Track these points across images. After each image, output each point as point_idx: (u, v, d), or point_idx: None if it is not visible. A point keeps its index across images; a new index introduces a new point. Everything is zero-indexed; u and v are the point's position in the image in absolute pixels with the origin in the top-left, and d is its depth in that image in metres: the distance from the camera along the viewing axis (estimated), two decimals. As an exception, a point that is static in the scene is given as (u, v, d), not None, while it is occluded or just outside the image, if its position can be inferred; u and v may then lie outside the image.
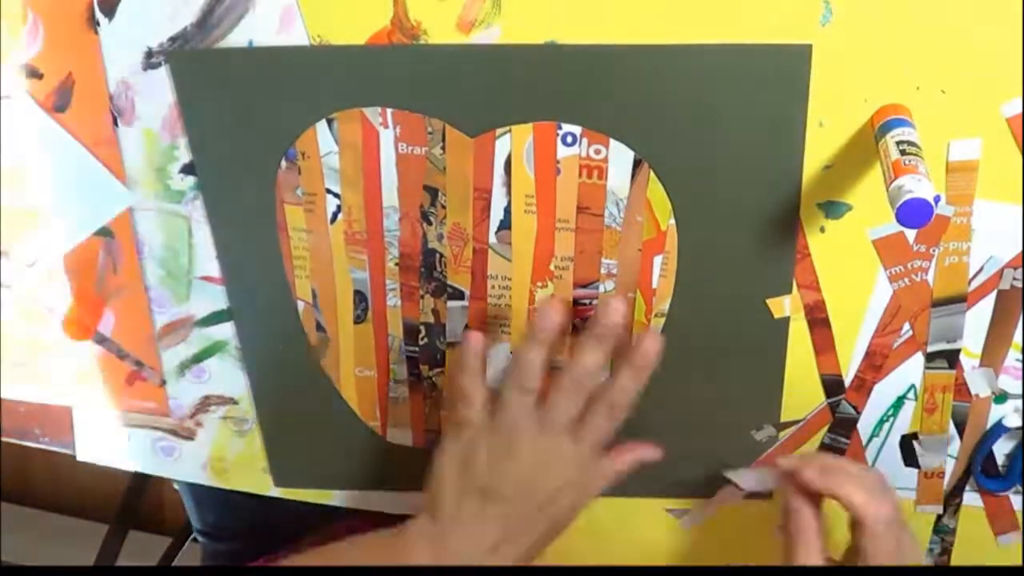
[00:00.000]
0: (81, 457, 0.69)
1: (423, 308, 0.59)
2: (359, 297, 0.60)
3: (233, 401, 0.65)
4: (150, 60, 0.54)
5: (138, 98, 0.55)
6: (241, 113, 0.55)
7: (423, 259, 0.58)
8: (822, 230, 0.54)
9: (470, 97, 0.53)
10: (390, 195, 0.56)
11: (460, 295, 0.59)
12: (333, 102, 0.54)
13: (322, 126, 0.55)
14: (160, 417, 0.67)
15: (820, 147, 0.51)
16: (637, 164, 0.53)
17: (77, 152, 0.57)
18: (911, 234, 0.53)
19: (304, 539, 0.78)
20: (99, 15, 0.54)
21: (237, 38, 0.53)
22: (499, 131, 0.53)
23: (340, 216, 0.57)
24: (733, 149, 0.52)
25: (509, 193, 0.55)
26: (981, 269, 0.54)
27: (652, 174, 0.53)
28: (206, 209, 0.58)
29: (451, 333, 0.60)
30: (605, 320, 0.53)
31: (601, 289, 0.57)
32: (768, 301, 0.56)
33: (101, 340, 0.64)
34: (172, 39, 0.53)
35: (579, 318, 0.58)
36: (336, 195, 0.57)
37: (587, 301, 0.57)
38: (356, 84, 0.53)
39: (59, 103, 0.56)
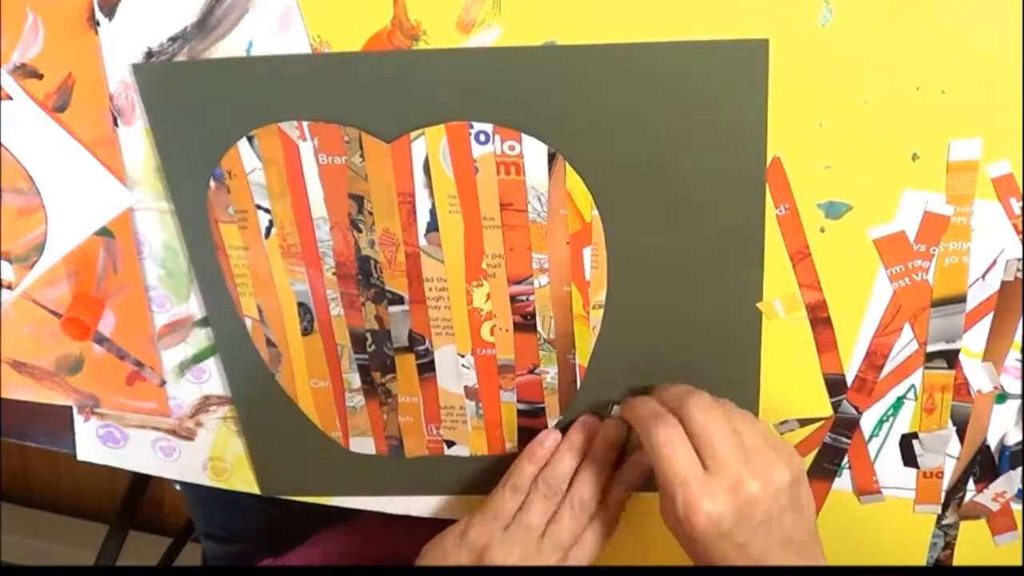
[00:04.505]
0: (81, 457, 0.69)
1: (366, 315, 0.60)
2: (303, 309, 0.60)
3: (233, 401, 0.65)
4: (150, 60, 0.54)
5: (138, 98, 0.55)
6: (192, 127, 0.55)
7: (358, 266, 0.58)
8: (822, 230, 0.54)
9: (381, 102, 0.53)
10: (318, 206, 0.57)
11: (400, 300, 0.59)
12: (257, 116, 0.54)
13: (243, 144, 0.55)
14: (160, 417, 0.67)
15: (820, 147, 0.51)
16: (552, 158, 0.53)
17: (77, 152, 0.57)
18: (912, 233, 0.53)
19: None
20: (99, 15, 0.54)
21: (237, 38, 0.53)
22: (413, 134, 0.54)
23: (273, 231, 0.58)
24: (683, 144, 0.52)
25: (432, 195, 0.55)
26: (987, 270, 0.54)
27: (568, 167, 0.53)
28: (178, 220, 0.59)
29: (397, 339, 0.60)
30: (608, 439, 0.59)
31: (536, 284, 0.57)
32: (760, 304, 0.56)
33: (101, 340, 0.64)
34: (172, 39, 0.53)
35: (519, 315, 0.58)
36: (266, 210, 0.57)
37: (524, 297, 0.58)
38: (279, 96, 0.54)
39: (59, 103, 0.56)
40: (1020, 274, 0.54)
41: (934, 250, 0.54)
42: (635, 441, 0.60)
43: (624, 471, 0.60)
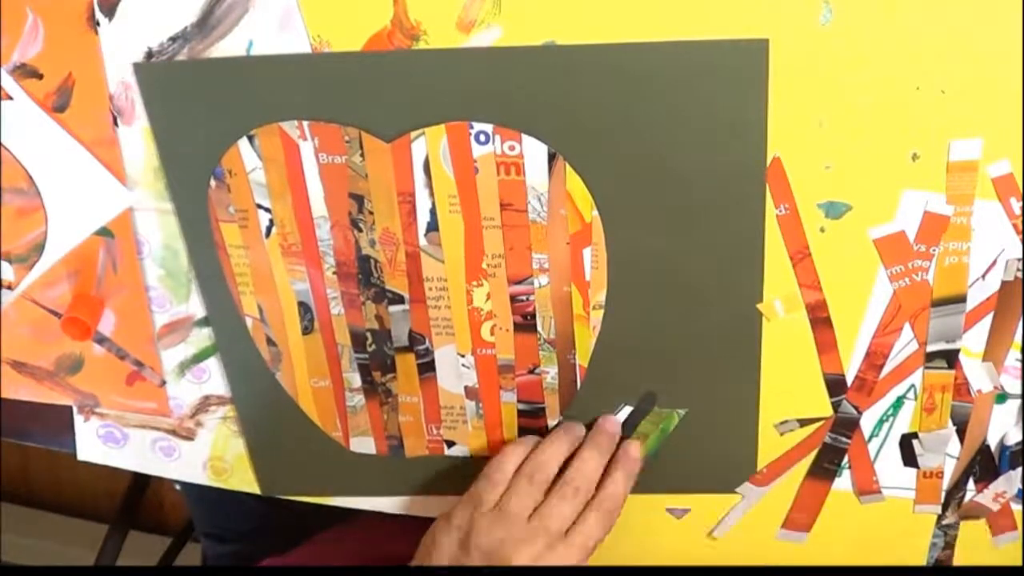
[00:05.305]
0: (81, 457, 0.69)
1: (366, 315, 0.60)
2: (303, 308, 0.60)
3: (233, 401, 0.65)
4: (150, 60, 0.54)
5: (138, 98, 0.55)
6: (193, 126, 0.55)
7: (359, 266, 0.58)
8: (822, 230, 0.54)
9: (381, 102, 0.53)
10: (318, 205, 0.57)
11: (400, 299, 0.59)
12: (258, 115, 0.54)
13: (244, 143, 0.55)
14: (160, 417, 0.67)
15: (820, 147, 0.51)
16: (552, 158, 0.53)
17: (77, 152, 0.57)
18: (912, 233, 0.53)
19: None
20: (99, 15, 0.54)
21: (237, 38, 0.53)
22: (413, 134, 0.54)
23: (274, 230, 0.58)
24: (683, 144, 0.52)
25: (432, 195, 0.55)
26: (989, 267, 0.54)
27: (568, 167, 0.54)
28: (178, 219, 0.59)
29: (397, 338, 0.60)
30: (607, 430, 0.60)
31: (536, 284, 0.57)
32: (760, 304, 0.56)
33: (101, 340, 0.64)
34: (172, 39, 0.53)
35: (519, 315, 0.58)
36: (267, 210, 0.57)
37: (524, 297, 0.58)
38: (279, 96, 0.54)
39: (59, 103, 0.56)
40: (1020, 274, 0.54)
41: (934, 250, 0.54)
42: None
43: (619, 458, 0.59)
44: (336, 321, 0.60)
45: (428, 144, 0.54)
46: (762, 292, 0.56)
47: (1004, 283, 0.54)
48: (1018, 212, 0.52)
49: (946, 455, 0.59)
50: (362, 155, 0.55)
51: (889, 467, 0.60)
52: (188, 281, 0.61)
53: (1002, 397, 0.57)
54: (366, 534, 0.79)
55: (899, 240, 0.53)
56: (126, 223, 0.59)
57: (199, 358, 0.64)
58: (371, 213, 0.56)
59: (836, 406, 0.59)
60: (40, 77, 0.56)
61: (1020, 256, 0.53)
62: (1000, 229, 0.53)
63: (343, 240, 0.58)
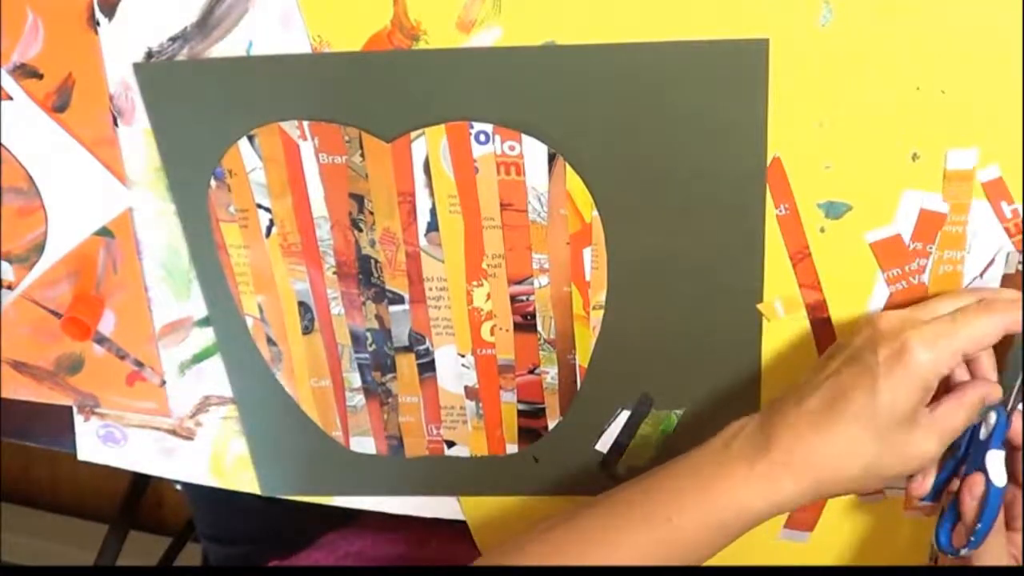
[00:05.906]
0: (81, 457, 0.69)
1: (366, 314, 0.60)
2: (303, 308, 0.60)
3: (233, 401, 0.65)
4: (150, 60, 0.54)
5: (138, 98, 0.55)
6: (193, 126, 0.55)
7: (359, 266, 0.58)
8: (822, 230, 0.54)
9: (381, 102, 0.53)
10: (318, 205, 0.57)
11: (400, 299, 0.59)
12: (258, 115, 0.55)
13: (244, 143, 0.55)
14: (160, 417, 0.67)
15: (820, 147, 0.51)
16: (552, 158, 0.54)
17: (77, 152, 0.57)
18: (907, 234, 0.53)
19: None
20: (99, 15, 0.54)
21: (237, 38, 0.53)
22: (413, 134, 0.54)
23: (274, 230, 0.58)
24: (683, 144, 0.52)
25: (432, 195, 0.55)
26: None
27: (568, 167, 0.54)
28: (180, 218, 0.59)
29: (397, 338, 0.60)
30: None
31: (536, 284, 0.57)
32: (760, 304, 0.56)
33: (101, 340, 0.64)
34: (172, 39, 0.53)
35: (519, 315, 0.58)
36: (267, 209, 0.57)
37: (524, 297, 0.58)
38: (279, 96, 0.54)
39: (59, 103, 0.56)
40: (1020, 267, 0.54)
41: (931, 248, 0.53)
42: None
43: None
44: (336, 321, 0.60)
45: (428, 144, 0.54)
46: (762, 292, 0.56)
47: (1006, 276, 0.54)
48: (1009, 215, 0.52)
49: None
50: (362, 155, 0.55)
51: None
52: (188, 281, 0.61)
53: (1002, 397, 0.57)
54: (372, 536, 0.78)
55: (895, 243, 0.53)
56: (126, 223, 0.59)
57: (199, 358, 0.64)
58: (371, 213, 0.57)
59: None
60: (40, 77, 0.56)
61: (1016, 250, 0.53)
62: (998, 231, 0.53)
63: (343, 240, 0.58)
